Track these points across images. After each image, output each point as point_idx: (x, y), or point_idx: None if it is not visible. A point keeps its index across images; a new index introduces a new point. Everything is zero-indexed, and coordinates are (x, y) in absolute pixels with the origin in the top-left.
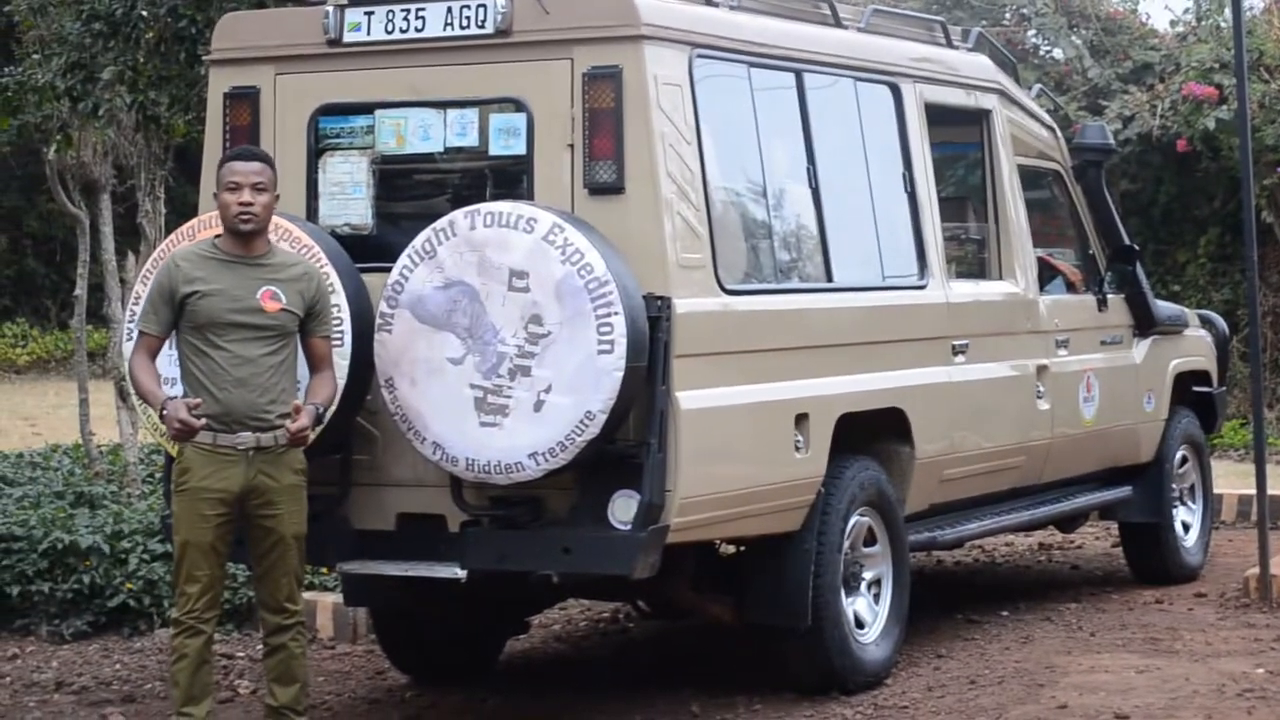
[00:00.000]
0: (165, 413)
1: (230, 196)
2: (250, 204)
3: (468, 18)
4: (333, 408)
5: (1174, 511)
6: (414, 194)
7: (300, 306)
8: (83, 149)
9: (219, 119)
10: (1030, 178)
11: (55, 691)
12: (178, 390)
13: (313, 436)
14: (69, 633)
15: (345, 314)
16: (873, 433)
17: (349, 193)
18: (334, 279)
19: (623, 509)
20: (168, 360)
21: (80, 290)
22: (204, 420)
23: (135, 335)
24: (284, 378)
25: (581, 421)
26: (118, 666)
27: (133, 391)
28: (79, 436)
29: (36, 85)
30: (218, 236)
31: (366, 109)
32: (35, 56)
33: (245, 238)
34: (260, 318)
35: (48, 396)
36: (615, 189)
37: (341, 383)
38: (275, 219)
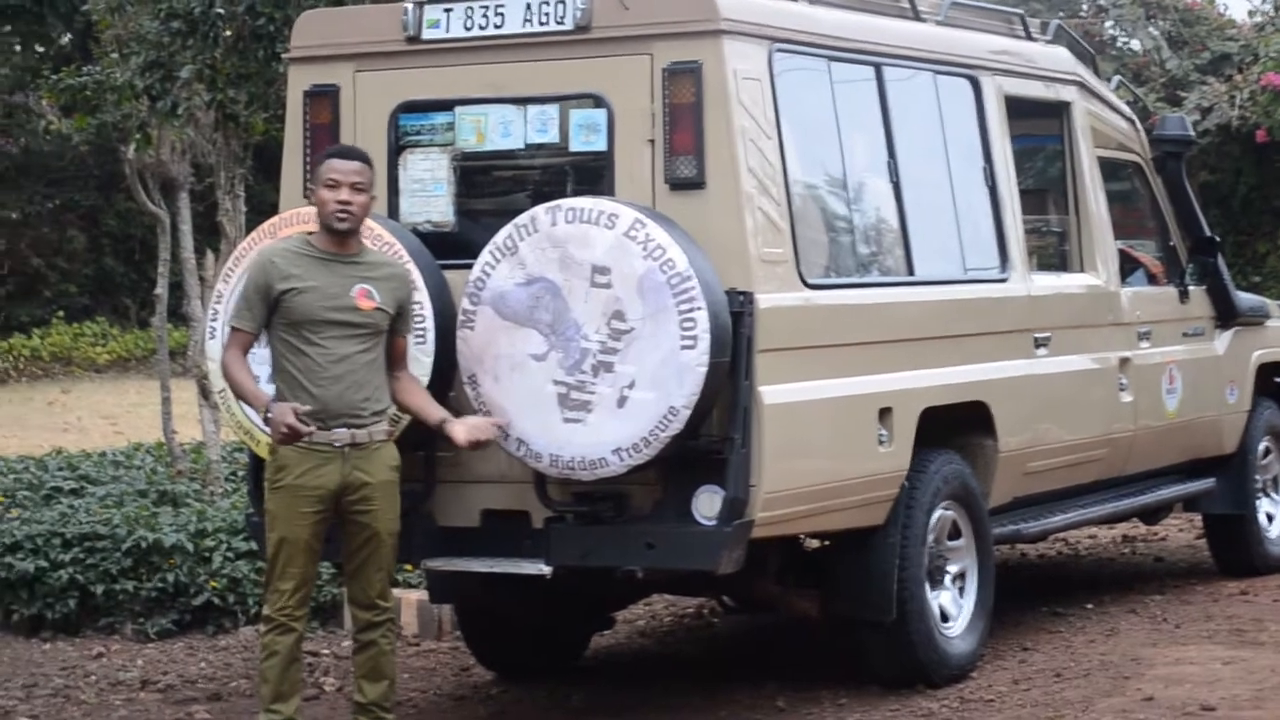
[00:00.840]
0: (270, 416)
1: (328, 194)
2: (348, 203)
3: (547, 14)
4: None
5: (1258, 503)
6: (495, 190)
7: (392, 306)
8: (161, 147)
9: (299, 117)
10: (1110, 169)
11: (141, 690)
12: (268, 389)
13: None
14: (154, 631)
15: (428, 311)
16: (956, 426)
17: (430, 190)
18: (416, 276)
19: (707, 504)
20: (254, 357)
21: (161, 289)
22: (312, 426)
23: (228, 332)
24: (376, 374)
25: (665, 417)
26: (203, 665)
27: (228, 390)
28: (161, 435)
29: (115, 84)
30: (311, 234)
31: (446, 106)
32: (113, 55)
33: (340, 236)
34: (355, 315)
35: (128, 395)
36: (696, 184)
37: (425, 379)
38: None
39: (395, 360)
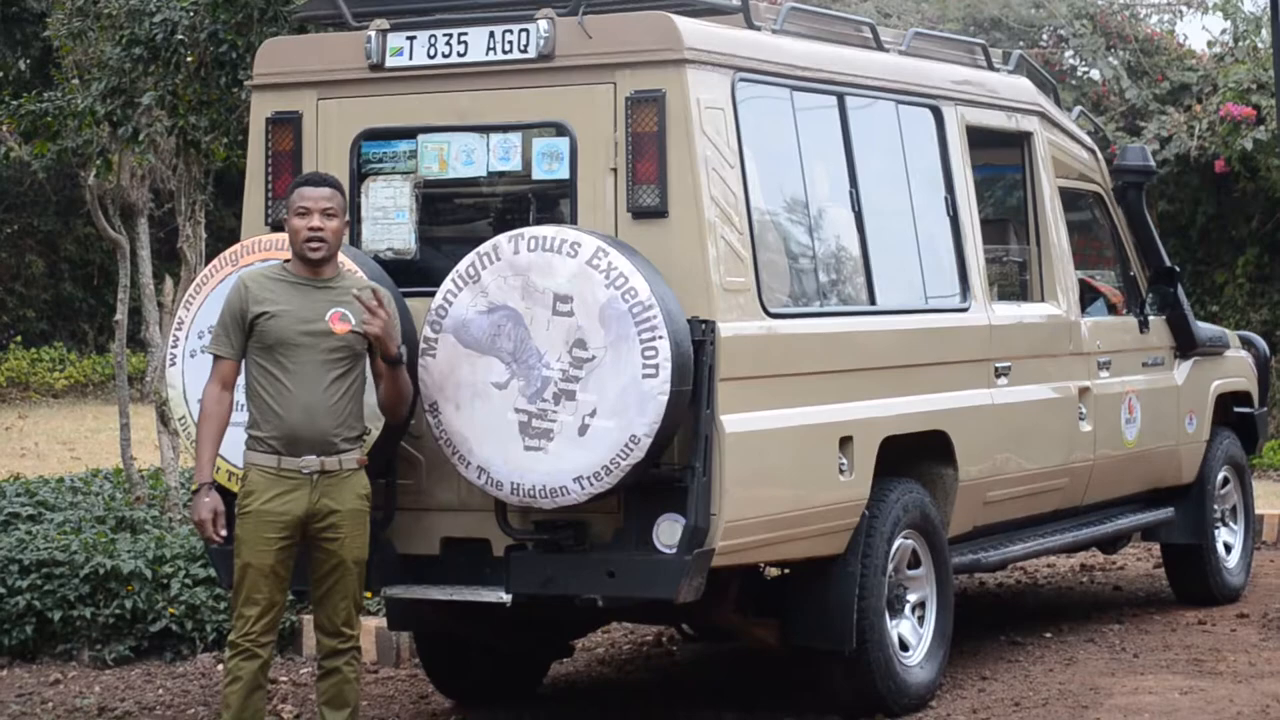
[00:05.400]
0: (196, 496)
1: (300, 222)
2: (320, 229)
3: (510, 42)
4: (405, 387)
5: (1216, 532)
6: (457, 218)
7: None
8: (121, 173)
9: (261, 144)
10: (1071, 199)
11: (98, 717)
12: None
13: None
14: (111, 658)
15: None
16: (916, 455)
17: (392, 217)
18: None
19: (667, 533)
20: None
21: (120, 315)
22: (224, 533)
23: (205, 362)
24: (351, 402)
25: (626, 445)
26: (160, 691)
27: (188, 417)
28: (119, 461)
29: (76, 110)
30: (287, 261)
31: (409, 133)
32: (74, 81)
33: (315, 262)
34: (329, 339)
35: (85, 420)
36: (658, 213)
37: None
38: None
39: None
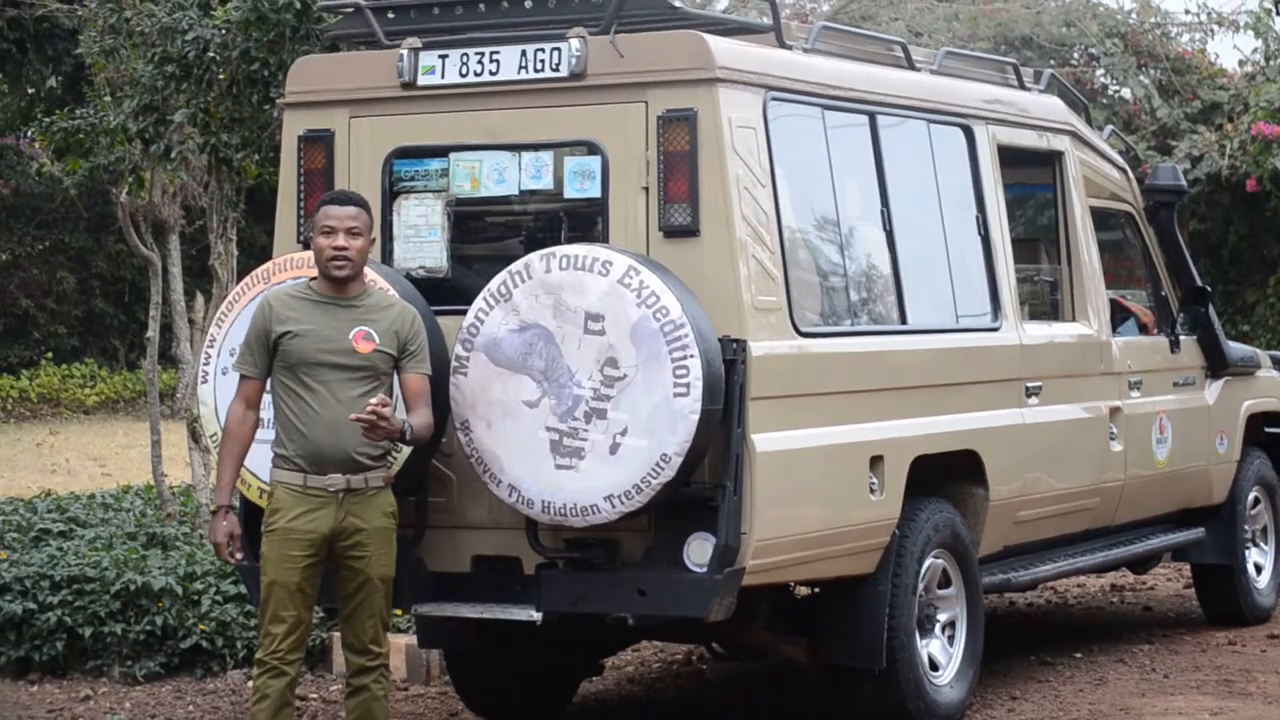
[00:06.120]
0: (214, 519)
1: (324, 241)
2: (344, 249)
3: (542, 61)
4: (420, 435)
5: (1246, 553)
6: (489, 237)
7: (394, 346)
8: (153, 190)
9: (293, 162)
10: (1102, 219)
11: None
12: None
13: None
14: (142, 674)
15: None
16: (947, 475)
17: (424, 235)
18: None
19: (698, 551)
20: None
21: (152, 332)
22: (239, 555)
23: (236, 379)
24: None
25: (657, 464)
26: (190, 708)
27: (219, 435)
28: (150, 477)
29: (108, 127)
30: (313, 279)
31: (441, 152)
32: (107, 98)
33: (339, 281)
34: (352, 358)
35: (116, 437)
36: (690, 232)
37: None
38: None
39: (411, 399)
